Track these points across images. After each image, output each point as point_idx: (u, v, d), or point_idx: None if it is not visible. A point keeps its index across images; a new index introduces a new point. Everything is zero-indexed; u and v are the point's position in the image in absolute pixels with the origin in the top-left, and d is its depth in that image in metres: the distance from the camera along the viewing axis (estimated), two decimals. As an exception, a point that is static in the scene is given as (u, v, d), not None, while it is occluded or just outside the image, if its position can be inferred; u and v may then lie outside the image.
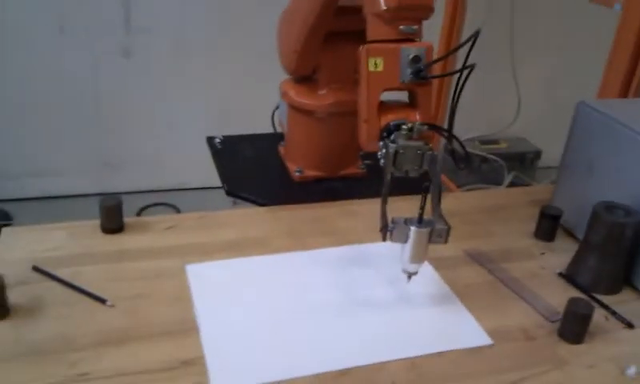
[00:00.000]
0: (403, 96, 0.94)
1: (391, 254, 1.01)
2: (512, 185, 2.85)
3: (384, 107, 0.90)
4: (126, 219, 1.03)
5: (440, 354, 0.82)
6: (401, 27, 0.88)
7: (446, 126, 0.94)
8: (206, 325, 0.83)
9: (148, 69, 2.45)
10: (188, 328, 0.82)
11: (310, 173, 1.25)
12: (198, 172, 2.21)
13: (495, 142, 2.97)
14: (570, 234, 1.12)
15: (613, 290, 0.97)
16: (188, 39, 2.44)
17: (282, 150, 1.35)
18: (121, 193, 2.52)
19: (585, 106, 1.07)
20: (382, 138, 0.89)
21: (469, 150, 2.91)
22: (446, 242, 0.85)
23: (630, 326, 0.90)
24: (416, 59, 0.88)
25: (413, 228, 0.83)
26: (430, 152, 0.88)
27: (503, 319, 0.89)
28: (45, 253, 0.95)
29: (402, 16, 0.88)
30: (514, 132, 2.94)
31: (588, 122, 1.07)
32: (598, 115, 1.05)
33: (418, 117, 0.91)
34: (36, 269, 0.90)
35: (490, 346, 0.84)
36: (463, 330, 0.87)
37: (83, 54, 2.36)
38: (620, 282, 0.98)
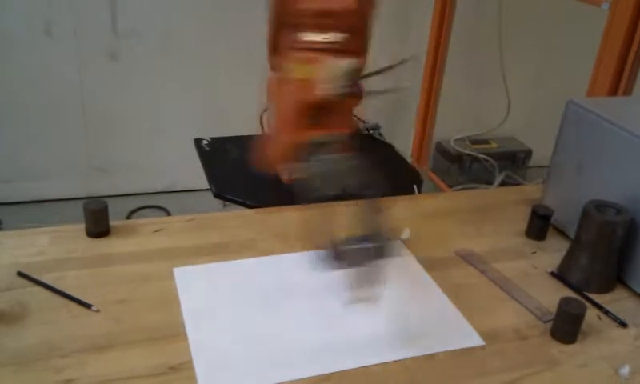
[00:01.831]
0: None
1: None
2: (503, 184, 2.85)
3: (304, 119, 0.84)
4: (113, 222, 1.02)
5: (431, 355, 0.81)
6: (310, 35, 0.82)
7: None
8: (193, 329, 0.82)
9: (135, 71, 2.44)
10: (175, 333, 0.81)
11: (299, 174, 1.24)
12: (188, 174, 2.20)
13: (486, 141, 2.97)
14: (561, 232, 1.11)
15: (605, 288, 0.97)
16: (175, 41, 2.43)
17: (271, 151, 1.33)
18: (110, 196, 2.51)
19: (574, 105, 1.07)
20: (301, 154, 0.83)
21: (460, 149, 2.92)
22: (395, 255, 0.78)
23: (622, 324, 0.89)
24: (348, 72, 0.83)
25: (362, 253, 0.76)
26: (359, 162, 0.81)
27: (495, 320, 0.88)
28: (29, 258, 0.93)
29: (320, 23, 0.83)
30: (505, 131, 2.95)
31: (577, 120, 1.06)
32: (587, 114, 1.04)
33: (339, 132, 0.85)
34: (21, 274, 0.89)
35: (482, 347, 0.83)
36: (455, 331, 0.86)
37: (70, 57, 2.34)
38: (612, 280, 0.97)
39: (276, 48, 0.89)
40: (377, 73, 0.84)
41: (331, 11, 0.83)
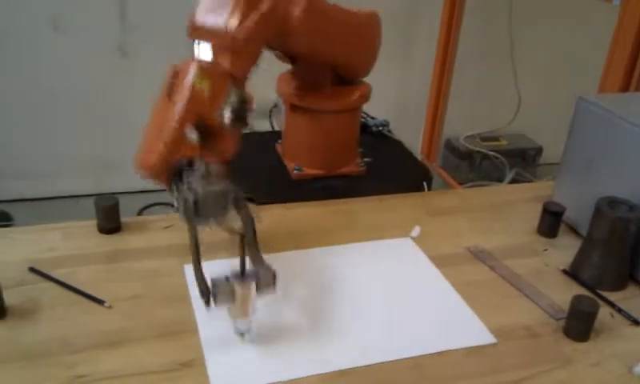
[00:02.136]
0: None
1: (391, 252, 1.01)
2: (513, 182, 2.84)
3: (182, 136, 0.80)
4: (124, 219, 1.02)
5: (442, 353, 0.80)
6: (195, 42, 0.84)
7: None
8: (205, 325, 0.82)
9: (145, 67, 2.43)
10: (187, 329, 0.81)
11: (309, 171, 1.24)
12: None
13: (496, 139, 2.96)
14: (573, 230, 1.11)
15: (618, 286, 0.96)
16: (185, 37, 2.42)
17: (279, 148, 1.33)
18: (121, 193, 2.51)
19: (585, 101, 1.06)
20: (171, 174, 0.79)
21: (470, 146, 2.91)
22: (274, 288, 0.77)
23: (636, 322, 0.88)
24: (243, 101, 0.82)
25: (238, 285, 0.74)
26: (234, 193, 0.79)
27: (507, 317, 0.88)
28: (41, 254, 0.93)
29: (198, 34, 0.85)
30: (515, 129, 2.93)
31: (588, 117, 1.05)
32: (598, 110, 1.03)
33: (213, 157, 0.82)
34: (33, 270, 0.89)
35: (493, 345, 0.83)
36: (466, 329, 0.85)
37: (78, 53, 2.34)
38: (625, 278, 0.97)
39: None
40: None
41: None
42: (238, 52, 0.86)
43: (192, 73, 0.81)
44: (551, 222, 1.09)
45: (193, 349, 0.78)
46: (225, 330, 0.81)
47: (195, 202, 0.76)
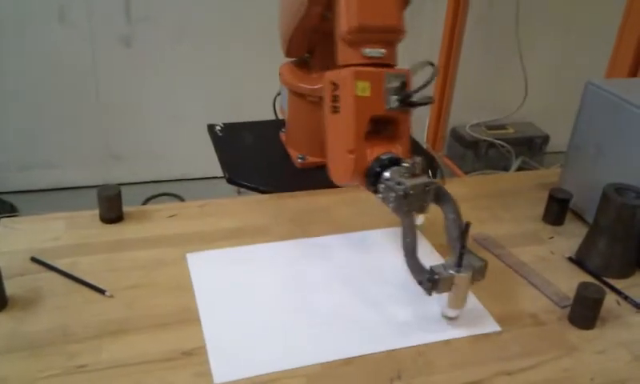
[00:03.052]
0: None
1: (394, 240, 1.00)
2: (520, 170, 2.82)
3: (366, 137, 0.85)
4: (126, 208, 1.02)
5: (447, 341, 0.80)
6: (366, 50, 0.84)
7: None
8: (206, 314, 0.81)
9: (150, 57, 2.43)
10: (189, 318, 0.81)
11: (313, 159, 1.23)
12: (203, 162, 2.19)
13: (502, 127, 2.93)
14: (580, 217, 1.09)
15: (624, 273, 0.95)
16: (190, 27, 2.42)
17: (283, 136, 1.33)
18: (126, 184, 2.52)
19: (593, 86, 1.05)
20: (371, 175, 0.84)
21: (476, 135, 2.89)
22: (484, 277, 0.80)
23: (642, 310, 0.87)
24: (403, 86, 0.84)
25: (458, 275, 0.77)
26: (436, 186, 0.83)
27: (512, 305, 0.87)
28: (43, 243, 0.93)
29: (366, 39, 0.84)
30: (522, 117, 2.90)
31: (596, 102, 1.04)
32: (606, 95, 1.02)
33: (399, 148, 0.86)
34: (34, 260, 0.89)
35: (498, 333, 0.82)
36: (471, 317, 0.84)
37: (83, 44, 2.34)
38: (631, 265, 0.95)
39: (335, 62, 0.89)
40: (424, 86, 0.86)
41: (386, 27, 0.86)
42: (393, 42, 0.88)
43: (350, 81, 0.83)
44: (557, 209, 1.07)
45: (194, 338, 0.77)
46: (226, 318, 0.80)
47: (405, 195, 0.80)
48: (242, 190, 1.23)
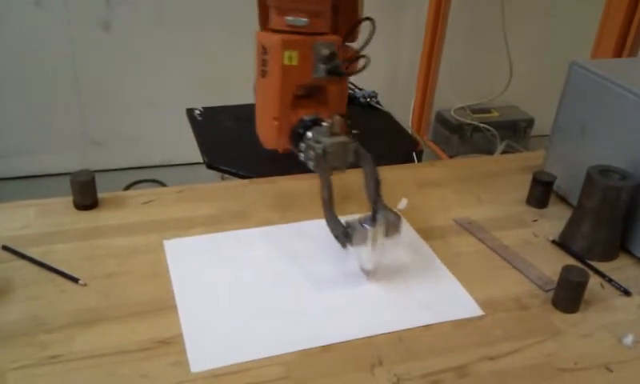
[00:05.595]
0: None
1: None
2: (504, 154, 2.82)
3: (293, 102, 0.87)
4: (101, 194, 0.99)
5: (429, 326, 0.78)
6: (289, 18, 0.84)
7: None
8: (183, 302, 0.79)
9: (129, 41, 2.39)
10: (165, 306, 0.78)
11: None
12: (185, 147, 2.16)
13: (487, 110, 2.93)
14: (564, 199, 1.08)
15: (608, 256, 0.94)
16: (169, 11, 2.38)
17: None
18: (107, 170, 2.48)
19: (577, 66, 1.03)
20: (295, 136, 0.85)
21: (461, 119, 2.89)
22: (399, 231, 0.82)
23: (626, 293, 0.87)
24: (332, 56, 0.85)
25: (370, 228, 0.79)
26: (355, 145, 0.85)
27: (495, 289, 0.86)
28: (15, 231, 0.90)
29: (290, 6, 0.85)
30: (506, 100, 2.90)
31: (581, 82, 1.03)
32: (590, 75, 1.00)
33: (326, 112, 0.88)
34: (6, 248, 0.86)
35: (481, 317, 0.81)
36: (453, 302, 0.83)
37: (61, 28, 2.29)
38: (616, 248, 0.95)
39: (263, 25, 0.90)
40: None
41: None
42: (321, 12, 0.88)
43: (277, 50, 0.85)
44: (541, 192, 1.06)
45: (171, 327, 0.75)
46: (204, 306, 0.78)
47: (324, 153, 0.82)
48: (226, 176, 1.21)
